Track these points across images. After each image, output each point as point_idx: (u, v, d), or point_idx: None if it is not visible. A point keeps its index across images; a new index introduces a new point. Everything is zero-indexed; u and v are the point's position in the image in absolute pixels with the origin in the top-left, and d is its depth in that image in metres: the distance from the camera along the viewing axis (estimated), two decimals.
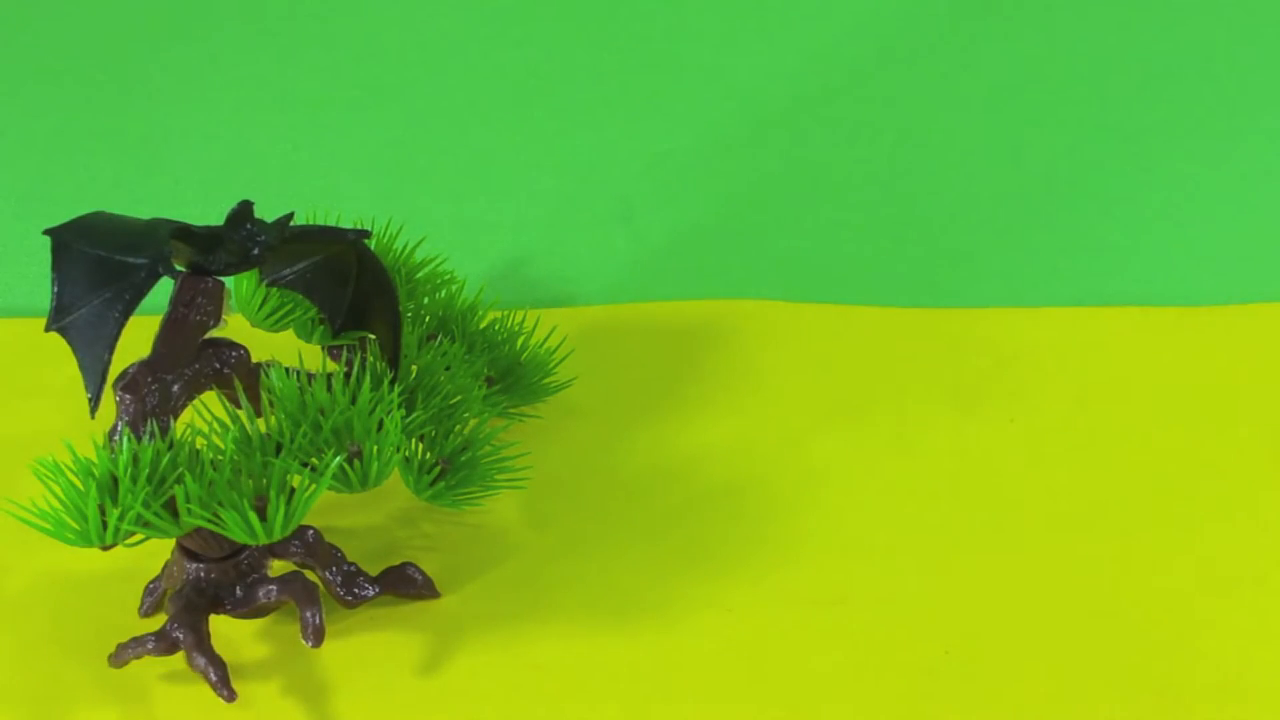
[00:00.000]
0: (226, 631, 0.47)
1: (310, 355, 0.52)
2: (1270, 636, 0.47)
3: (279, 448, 0.43)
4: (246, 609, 0.46)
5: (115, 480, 0.41)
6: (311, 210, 0.55)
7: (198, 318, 0.45)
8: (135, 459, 0.41)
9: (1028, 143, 0.72)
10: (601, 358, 0.60)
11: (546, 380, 0.56)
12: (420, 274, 0.55)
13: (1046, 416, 0.56)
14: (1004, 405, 0.57)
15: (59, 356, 0.44)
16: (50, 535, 0.40)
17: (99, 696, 0.46)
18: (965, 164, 0.71)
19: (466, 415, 0.51)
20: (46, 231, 0.42)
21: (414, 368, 0.51)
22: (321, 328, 0.51)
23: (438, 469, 0.48)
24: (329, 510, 0.52)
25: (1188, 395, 0.57)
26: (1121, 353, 0.59)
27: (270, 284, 0.50)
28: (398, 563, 0.49)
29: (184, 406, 0.46)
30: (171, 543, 0.46)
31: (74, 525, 0.40)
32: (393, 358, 0.48)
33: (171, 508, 0.41)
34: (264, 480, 0.42)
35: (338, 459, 0.42)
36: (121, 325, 0.41)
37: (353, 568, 0.48)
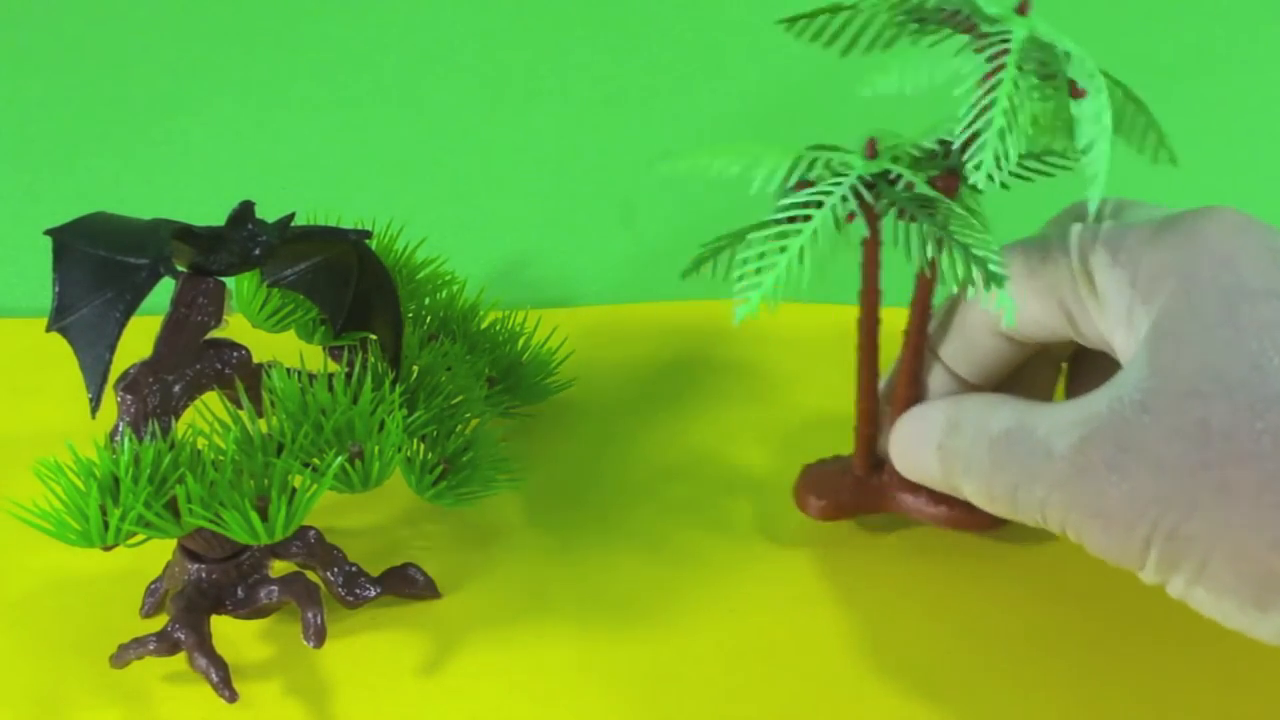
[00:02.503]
0: (228, 632, 0.47)
1: (311, 356, 0.52)
2: None
3: (280, 448, 0.43)
4: (248, 609, 0.46)
5: (116, 480, 0.41)
6: (312, 210, 0.55)
7: (199, 318, 0.45)
8: (136, 459, 0.41)
9: None
10: (601, 358, 0.60)
11: (548, 380, 0.56)
12: (421, 274, 0.55)
13: None
14: None
15: (60, 357, 0.44)
16: (51, 535, 0.40)
17: (100, 697, 0.46)
18: None
19: (468, 415, 0.51)
20: (47, 232, 0.43)
21: (415, 368, 0.51)
22: (323, 328, 0.51)
23: (440, 469, 0.48)
24: (330, 511, 0.52)
25: None
26: None
27: (271, 285, 0.50)
28: (399, 563, 0.49)
29: (185, 407, 0.46)
30: (173, 543, 0.46)
31: (75, 525, 0.40)
32: (394, 358, 0.48)
33: (173, 508, 0.41)
34: (265, 480, 0.42)
35: (339, 459, 0.42)
36: (122, 325, 0.41)
37: (354, 568, 0.48)
